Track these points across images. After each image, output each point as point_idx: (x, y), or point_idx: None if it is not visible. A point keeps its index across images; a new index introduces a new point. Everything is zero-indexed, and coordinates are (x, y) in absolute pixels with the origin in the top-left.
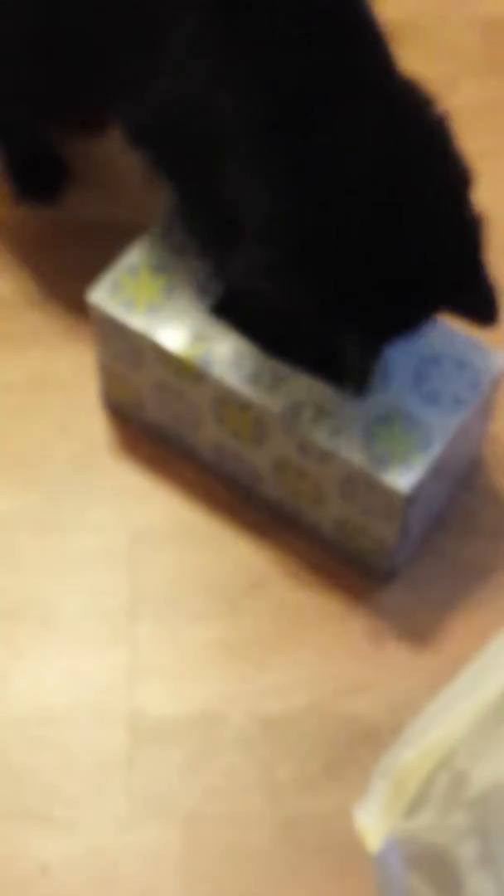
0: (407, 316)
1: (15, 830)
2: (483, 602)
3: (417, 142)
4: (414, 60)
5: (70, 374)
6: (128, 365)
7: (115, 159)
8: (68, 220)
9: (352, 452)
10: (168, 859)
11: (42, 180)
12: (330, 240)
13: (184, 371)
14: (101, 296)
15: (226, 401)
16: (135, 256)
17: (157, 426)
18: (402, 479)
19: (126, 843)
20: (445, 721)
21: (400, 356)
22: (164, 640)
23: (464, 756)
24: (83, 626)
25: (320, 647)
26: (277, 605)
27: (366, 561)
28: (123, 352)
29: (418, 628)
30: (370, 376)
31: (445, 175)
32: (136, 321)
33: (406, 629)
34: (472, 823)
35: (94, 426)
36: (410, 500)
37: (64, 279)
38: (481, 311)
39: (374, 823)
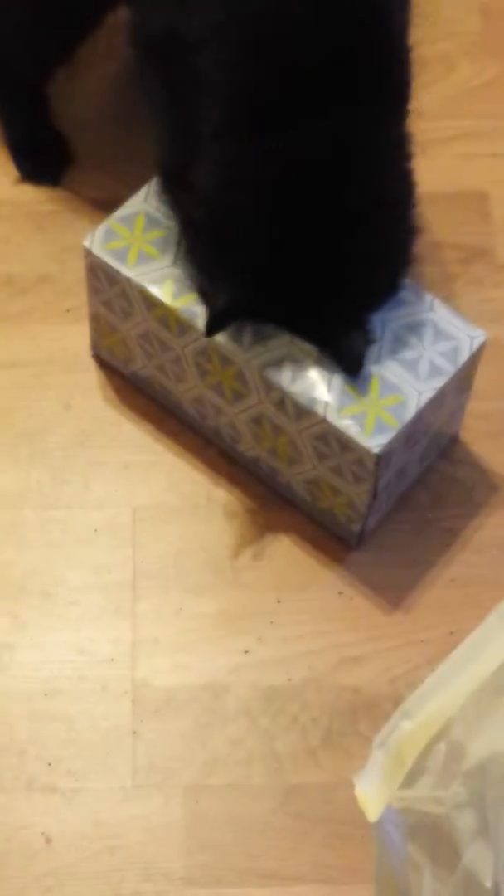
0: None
1: (20, 801)
2: (458, 572)
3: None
4: (413, 41)
5: (74, 352)
6: (117, 314)
7: (118, 139)
8: (71, 200)
9: (328, 410)
10: (171, 829)
11: (45, 160)
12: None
13: (170, 321)
14: (96, 242)
15: (209, 353)
16: (132, 208)
17: (144, 379)
18: (374, 440)
19: (129, 813)
20: (443, 693)
21: (381, 323)
22: (166, 613)
23: (461, 728)
24: (87, 600)
25: (320, 619)
26: (278, 578)
27: (337, 524)
28: (113, 300)
29: (413, 601)
30: (363, 359)
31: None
32: (127, 268)
33: (400, 601)
34: (469, 794)
35: (98, 404)
36: (381, 461)
37: (67, 258)
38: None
39: (373, 793)
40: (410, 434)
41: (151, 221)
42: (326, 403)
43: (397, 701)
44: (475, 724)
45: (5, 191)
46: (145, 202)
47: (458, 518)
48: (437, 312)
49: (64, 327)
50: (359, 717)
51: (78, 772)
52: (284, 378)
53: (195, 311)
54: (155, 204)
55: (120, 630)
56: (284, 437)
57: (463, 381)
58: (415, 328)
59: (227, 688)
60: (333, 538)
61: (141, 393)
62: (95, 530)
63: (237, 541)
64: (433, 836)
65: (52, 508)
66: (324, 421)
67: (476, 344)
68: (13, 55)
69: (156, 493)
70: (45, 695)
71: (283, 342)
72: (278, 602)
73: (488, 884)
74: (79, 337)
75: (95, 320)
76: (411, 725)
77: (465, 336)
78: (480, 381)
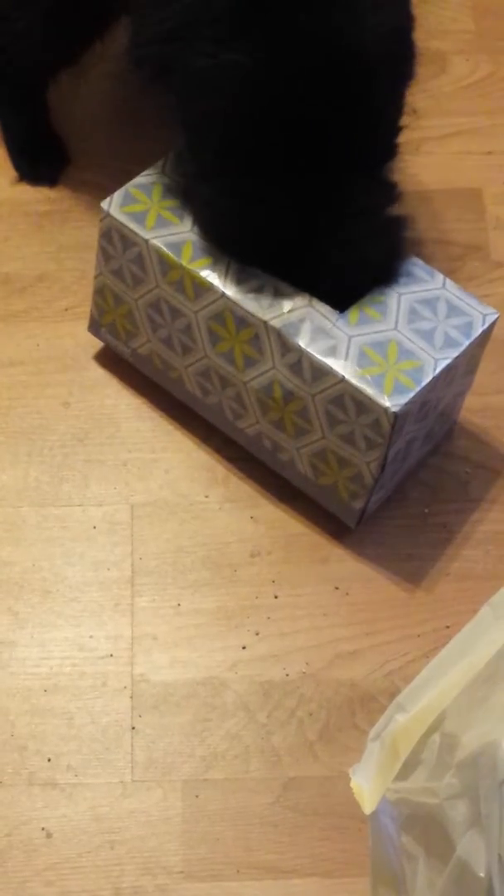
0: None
1: (20, 796)
2: (454, 567)
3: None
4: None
5: (74, 350)
6: (127, 282)
7: (116, 139)
8: (70, 200)
9: (346, 370)
10: (170, 823)
11: (43, 160)
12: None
13: (186, 283)
14: (114, 205)
15: (224, 316)
16: (149, 177)
17: (145, 357)
18: (393, 399)
19: (129, 807)
20: (437, 686)
21: (397, 296)
22: (164, 609)
23: (454, 719)
24: (86, 596)
25: (317, 614)
26: (275, 574)
27: (339, 502)
28: (125, 266)
29: (409, 595)
30: (352, 294)
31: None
32: (146, 231)
33: (396, 595)
34: (462, 785)
35: (97, 402)
36: (398, 421)
37: (65, 257)
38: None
39: (368, 786)
40: (424, 402)
41: (169, 190)
42: (345, 364)
43: (393, 694)
44: (468, 715)
45: (3, 191)
46: (162, 173)
47: (453, 513)
48: (450, 290)
49: (62, 326)
50: (355, 711)
51: (78, 767)
52: (303, 338)
53: (213, 272)
54: (172, 175)
55: (119, 626)
56: (295, 405)
57: (472, 360)
58: (429, 302)
59: (226, 683)
60: (331, 535)
61: (139, 391)
62: (94, 527)
63: (235, 537)
64: (427, 827)
65: (51, 506)
66: (342, 381)
67: (489, 321)
68: (18, 59)
69: (154, 490)
70: (45, 691)
71: (302, 303)
72: (275, 598)
73: (482, 873)
74: (77, 335)
75: (100, 294)
76: (406, 718)
77: (478, 313)
78: (477, 376)
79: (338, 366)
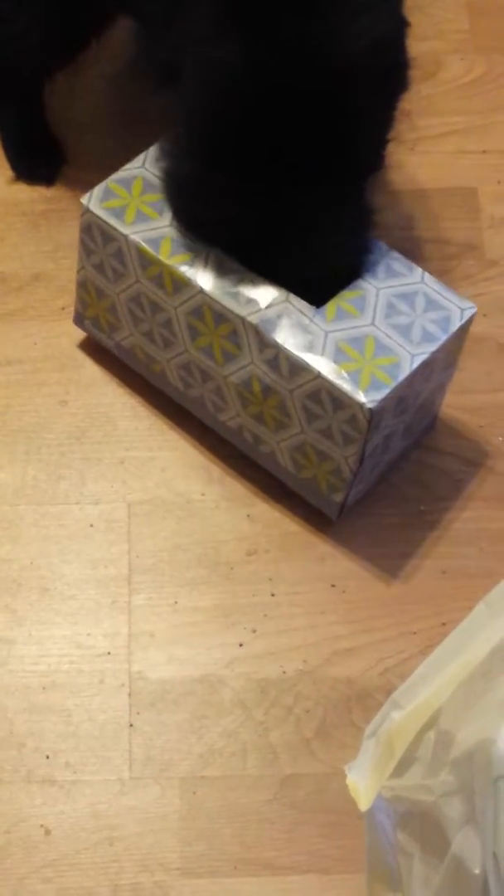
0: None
1: (18, 794)
2: (449, 564)
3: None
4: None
5: (70, 349)
6: (108, 277)
7: (112, 138)
8: (66, 199)
9: (322, 365)
10: (168, 820)
11: (39, 160)
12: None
13: (165, 279)
14: (93, 200)
15: (203, 311)
16: (130, 171)
17: (128, 350)
18: (369, 395)
19: (127, 805)
20: (432, 683)
21: (375, 291)
22: (162, 607)
23: (449, 717)
24: (83, 594)
25: (314, 611)
26: (272, 572)
27: (319, 495)
28: (106, 261)
29: (404, 592)
30: (330, 287)
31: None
32: (125, 226)
33: (392, 592)
34: (457, 782)
35: (94, 400)
36: (374, 417)
37: (62, 256)
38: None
39: (364, 783)
40: (402, 398)
41: (149, 185)
42: (321, 360)
43: (389, 691)
44: (463, 712)
45: (2, 191)
46: (143, 167)
47: (448, 510)
48: (429, 285)
49: (59, 325)
50: (352, 708)
51: (76, 764)
52: (280, 334)
53: (192, 268)
54: (152, 170)
55: (116, 624)
56: (273, 400)
57: (451, 354)
58: (407, 297)
59: (223, 680)
60: (327, 533)
61: (136, 389)
62: (91, 525)
63: (231, 535)
64: (423, 825)
65: (49, 504)
66: (318, 377)
67: (466, 315)
68: (15, 58)
69: (151, 488)
70: (43, 688)
71: (279, 299)
72: (272, 595)
73: (477, 870)
74: (74, 334)
75: (83, 287)
76: (401, 716)
77: (456, 307)
78: (469, 374)
79: (314, 362)
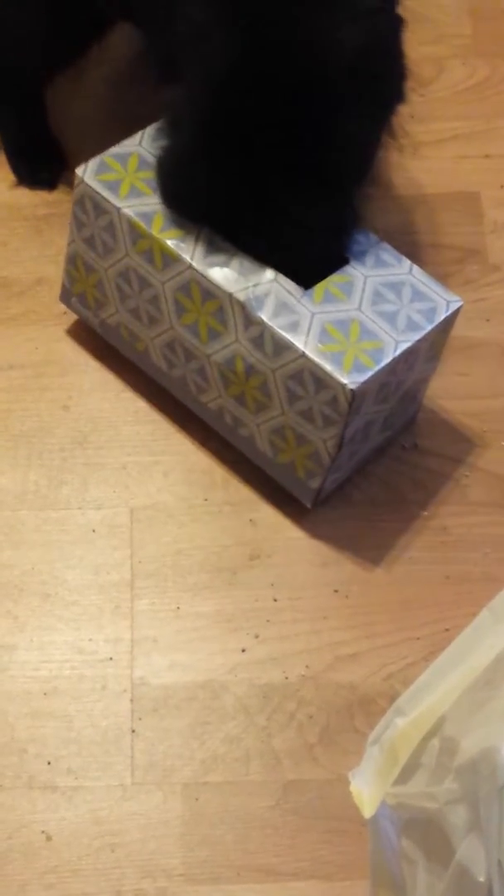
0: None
1: (20, 800)
2: (453, 570)
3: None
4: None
5: (73, 353)
6: (98, 250)
7: (114, 142)
8: (67, 203)
9: (307, 346)
10: (170, 826)
11: (41, 164)
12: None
13: (155, 253)
14: (88, 172)
15: (191, 287)
16: (127, 147)
17: (113, 329)
18: (351, 377)
19: (129, 811)
20: (436, 690)
21: (363, 278)
22: (164, 612)
23: (453, 724)
24: (85, 600)
25: (316, 617)
26: (275, 577)
27: (296, 482)
28: (96, 235)
29: (408, 598)
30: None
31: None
32: (118, 199)
33: (396, 598)
34: (461, 790)
35: (96, 405)
36: (356, 399)
37: (64, 260)
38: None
39: (368, 790)
40: (384, 384)
41: (144, 162)
42: (306, 340)
43: (393, 697)
44: (467, 719)
45: (1, 194)
46: (140, 145)
47: (452, 516)
48: (417, 276)
49: (61, 330)
50: (355, 714)
51: (77, 770)
52: (266, 312)
53: (182, 243)
54: (149, 148)
55: (118, 629)
56: (256, 380)
57: (435, 346)
58: (394, 286)
59: (225, 686)
60: (329, 538)
61: (138, 394)
62: (93, 531)
63: (234, 541)
64: (427, 832)
65: (51, 509)
66: (302, 356)
67: (452, 307)
68: (16, 61)
69: (153, 493)
70: (45, 694)
71: (267, 279)
72: (275, 601)
73: (481, 878)
74: (76, 339)
75: (71, 262)
76: (405, 722)
77: (443, 299)
78: (473, 378)
79: (299, 341)
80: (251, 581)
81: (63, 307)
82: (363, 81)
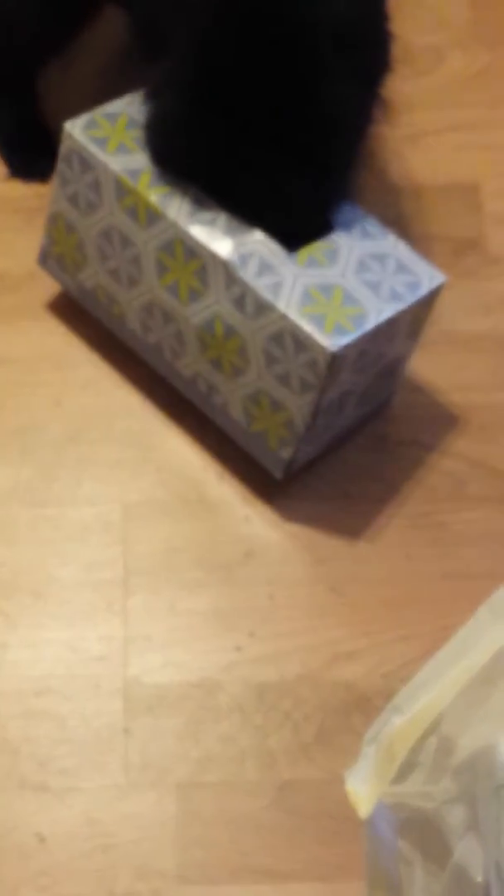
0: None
1: (12, 801)
2: (451, 567)
3: None
4: (403, 32)
5: (66, 348)
6: (81, 209)
7: None
8: None
9: (289, 307)
10: (164, 827)
11: (34, 156)
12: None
13: (140, 211)
14: (77, 127)
15: (174, 246)
16: (117, 107)
17: (90, 292)
18: (332, 339)
19: (123, 811)
20: (434, 688)
21: (348, 248)
22: (158, 610)
23: (451, 722)
24: (78, 597)
25: (313, 615)
26: (270, 575)
27: (267, 452)
28: (81, 192)
29: (406, 595)
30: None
31: None
32: (106, 154)
33: (393, 595)
34: (459, 789)
35: (89, 401)
36: (335, 362)
37: None
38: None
39: (364, 789)
40: (363, 352)
41: (133, 122)
42: (288, 302)
43: (390, 696)
44: (465, 718)
45: None
46: (129, 106)
47: (450, 512)
48: (401, 251)
49: (54, 324)
50: (352, 713)
51: (70, 770)
52: (249, 273)
53: (168, 201)
54: (138, 110)
55: (111, 627)
56: (234, 342)
57: (416, 322)
58: (379, 258)
59: (220, 685)
60: (326, 535)
61: (132, 390)
62: (86, 527)
63: (229, 537)
64: (424, 832)
65: (43, 506)
66: (283, 317)
67: (435, 282)
68: (9, 49)
69: (146, 489)
70: (37, 693)
71: (254, 240)
72: (270, 598)
73: (479, 878)
74: (69, 334)
75: (53, 222)
76: (402, 720)
77: (426, 275)
78: (473, 371)
79: (281, 302)
80: (246, 579)
81: (56, 301)
82: (347, 47)
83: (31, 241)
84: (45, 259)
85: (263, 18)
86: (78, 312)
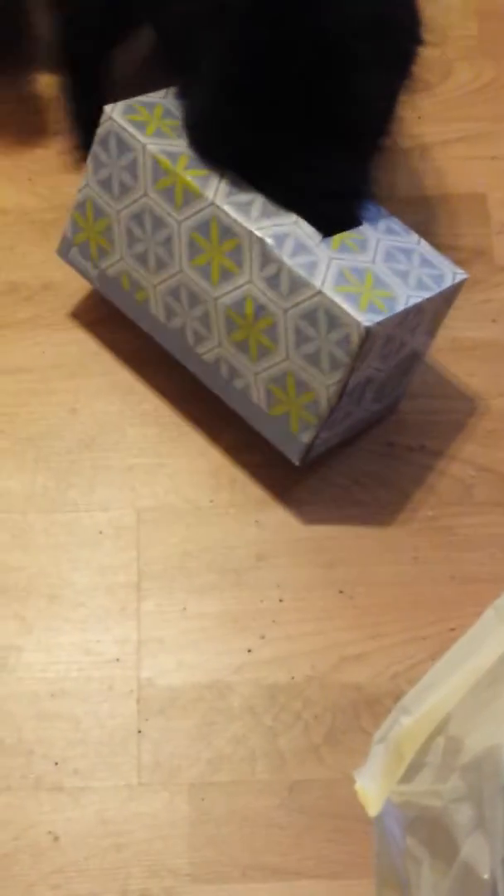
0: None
1: (27, 800)
2: (459, 569)
3: None
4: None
5: (80, 357)
6: (112, 193)
7: None
8: None
9: (324, 284)
10: (176, 826)
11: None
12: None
13: (177, 191)
14: (117, 110)
15: (210, 225)
16: (155, 98)
17: (113, 280)
18: (367, 316)
19: (135, 811)
20: (442, 688)
21: (376, 239)
22: (170, 613)
23: (458, 722)
24: (92, 601)
25: (322, 617)
26: (280, 578)
27: (286, 436)
28: (115, 175)
29: (414, 598)
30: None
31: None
32: (145, 136)
33: (401, 598)
34: (466, 788)
35: (103, 408)
36: (368, 338)
37: None
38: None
39: (373, 788)
40: (390, 337)
41: (169, 113)
42: (323, 279)
43: (399, 697)
44: (472, 718)
45: (9, 199)
46: (164, 99)
47: (458, 516)
48: (424, 248)
49: (68, 334)
50: (361, 714)
51: (84, 771)
52: (285, 251)
53: (205, 182)
54: (173, 102)
55: (125, 630)
56: (264, 322)
57: (436, 317)
58: (405, 251)
59: (231, 686)
60: (336, 539)
61: (145, 397)
62: (100, 532)
63: (240, 541)
64: (432, 830)
65: (58, 512)
66: (319, 293)
67: (458, 278)
68: (84, 30)
69: (160, 495)
70: (52, 695)
71: (289, 221)
72: (280, 601)
73: (486, 876)
74: (83, 343)
75: (80, 208)
76: (410, 721)
77: (449, 270)
78: (480, 379)
79: (317, 280)
80: (257, 582)
81: (71, 311)
82: (380, 36)
83: (46, 253)
84: (67, 250)
85: (295, 9)
86: (92, 323)
